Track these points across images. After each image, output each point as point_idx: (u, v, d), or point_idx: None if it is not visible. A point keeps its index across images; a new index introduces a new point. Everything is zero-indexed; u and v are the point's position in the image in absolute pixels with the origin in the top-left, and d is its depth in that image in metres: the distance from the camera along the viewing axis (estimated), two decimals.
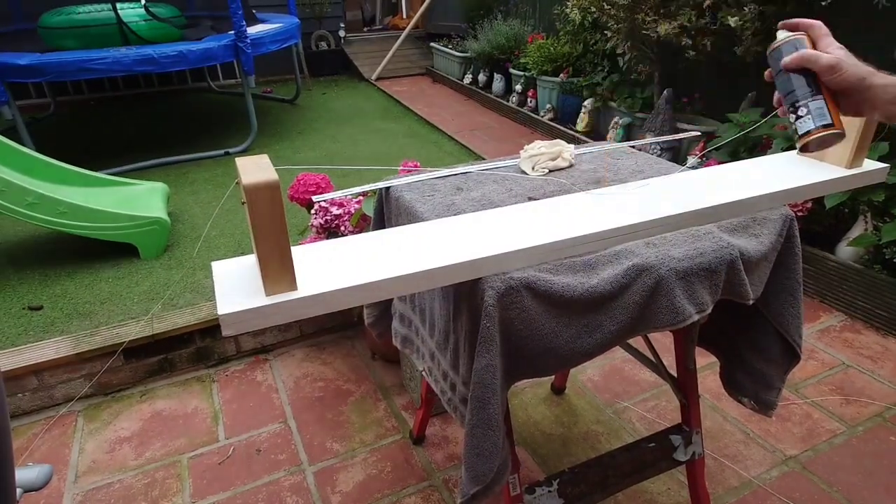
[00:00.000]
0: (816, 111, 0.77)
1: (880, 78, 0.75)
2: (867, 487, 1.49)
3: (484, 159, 1.36)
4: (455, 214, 0.99)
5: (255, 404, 1.84)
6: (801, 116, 0.78)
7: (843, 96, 0.78)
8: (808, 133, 0.78)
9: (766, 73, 0.85)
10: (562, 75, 4.12)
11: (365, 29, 7.48)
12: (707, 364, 1.87)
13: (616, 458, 1.27)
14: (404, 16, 7.47)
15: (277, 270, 0.68)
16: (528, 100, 4.53)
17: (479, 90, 5.18)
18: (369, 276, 0.72)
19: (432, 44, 6.14)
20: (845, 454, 1.59)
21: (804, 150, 0.81)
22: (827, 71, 0.76)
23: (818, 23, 0.80)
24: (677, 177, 1.05)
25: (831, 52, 0.77)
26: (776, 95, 0.83)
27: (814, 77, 0.78)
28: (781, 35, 0.81)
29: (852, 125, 1.00)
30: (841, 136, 0.78)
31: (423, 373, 1.13)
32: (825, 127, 0.76)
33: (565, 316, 0.90)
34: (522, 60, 4.51)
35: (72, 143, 4.18)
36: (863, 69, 0.76)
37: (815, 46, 0.79)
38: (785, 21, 0.82)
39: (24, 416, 1.81)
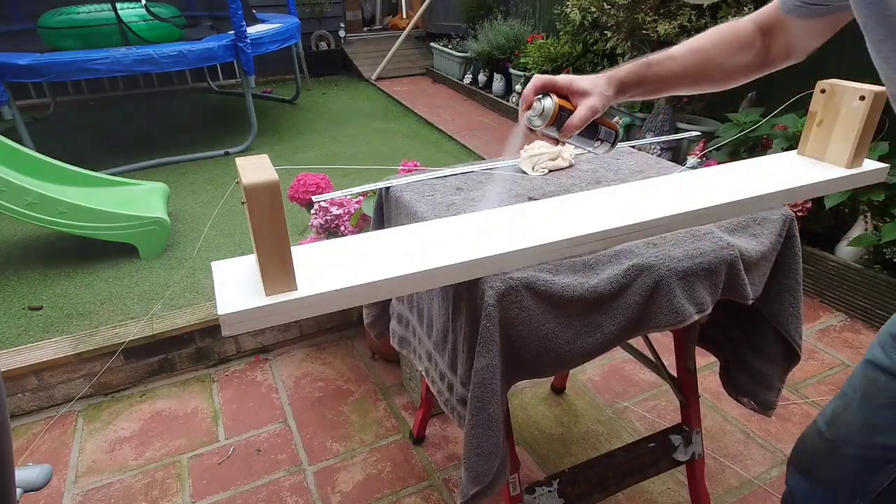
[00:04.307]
0: (606, 135, 0.92)
1: (616, 87, 0.86)
2: None
3: (484, 159, 1.36)
4: (455, 214, 0.99)
5: (255, 404, 1.84)
6: (598, 146, 0.92)
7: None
8: (610, 150, 0.94)
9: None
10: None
11: (365, 29, 7.48)
12: (707, 364, 1.87)
13: (616, 458, 1.27)
14: (404, 16, 7.47)
15: (277, 270, 0.67)
16: None
17: (479, 90, 5.18)
18: (369, 277, 0.72)
19: (432, 44, 6.14)
20: None
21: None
22: (593, 117, 0.85)
23: (540, 81, 0.84)
24: (677, 177, 1.05)
25: (579, 90, 0.84)
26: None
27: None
28: (538, 108, 0.84)
29: (851, 126, 1.00)
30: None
31: (422, 373, 1.13)
32: (616, 137, 0.93)
33: (565, 316, 0.90)
34: (522, 60, 4.51)
35: (72, 143, 4.18)
36: (603, 91, 0.85)
37: (560, 91, 0.85)
38: (528, 102, 0.85)
39: (24, 416, 1.82)
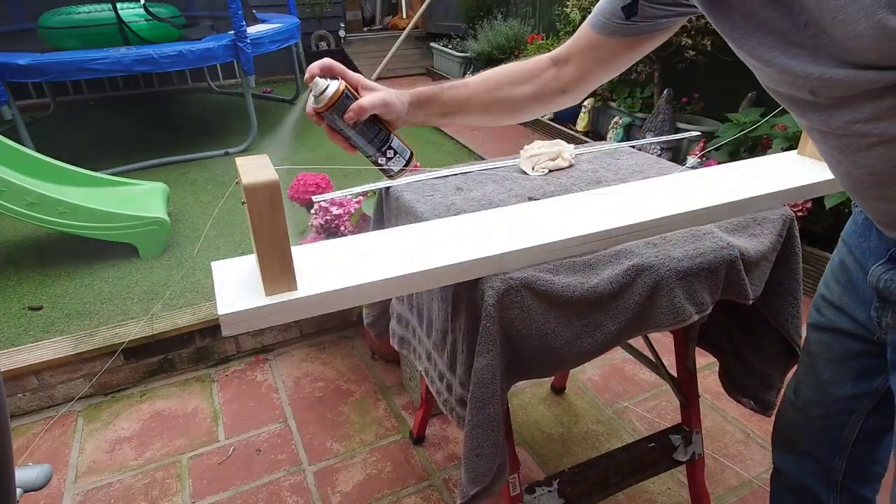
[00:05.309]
0: (399, 148, 0.84)
1: (411, 97, 0.84)
2: None
3: (484, 159, 1.36)
4: (455, 214, 0.99)
5: (255, 404, 1.84)
6: (391, 158, 0.84)
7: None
8: (402, 169, 0.86)
9: (325, 127, 0.82)
10: None
11: (365, 29, 7.48)
12: (707, 364, 1.87)
13: (616, 458, 1.27)
14: (404, 16, 7.47)
15: (277, 270, 0.68)
16: None
17: None
18: (369, 277, 0.72)
19: (432, 44, 6.14)
20: None
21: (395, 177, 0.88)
22: (382, 110, 0.80)
23: (329, 61, 0.79)
24: (677, 177, 1.05)
25: (369, 86, 0.81)
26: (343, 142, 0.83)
27: (377, 120, 0.81)
28: (322, 84, 0.76)
29: None
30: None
31: (422, 373, 1.13)
32: (411, 157, 0.87)
33: (565, 316, 0.90)
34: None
35: (72, 143, 4.18)
36: (398, 94, 0.82)
37: (349, 83, 0.79)
38: (311, 74, 0.77)
39: (24, 416, 1.81)
